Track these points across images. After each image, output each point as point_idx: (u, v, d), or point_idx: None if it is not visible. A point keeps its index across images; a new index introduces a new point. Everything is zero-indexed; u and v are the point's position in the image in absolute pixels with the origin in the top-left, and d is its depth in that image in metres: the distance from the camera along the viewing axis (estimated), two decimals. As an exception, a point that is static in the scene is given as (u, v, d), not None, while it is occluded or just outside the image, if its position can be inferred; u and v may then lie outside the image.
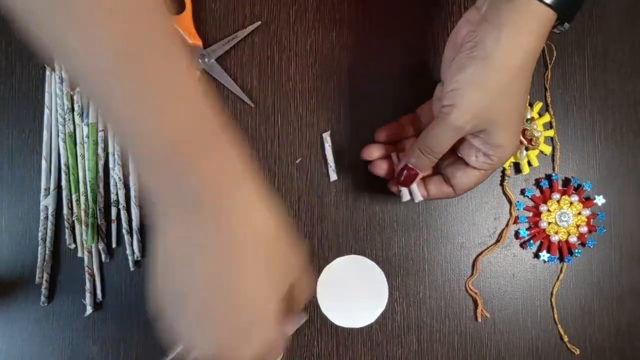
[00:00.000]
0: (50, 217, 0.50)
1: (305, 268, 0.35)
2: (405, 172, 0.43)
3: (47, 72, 0.51)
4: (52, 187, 0.50)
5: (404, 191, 0.44)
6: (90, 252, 0.50)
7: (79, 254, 0.50)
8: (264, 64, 0.52)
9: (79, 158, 0.50)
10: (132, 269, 0.50)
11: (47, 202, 0.50)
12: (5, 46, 0.52)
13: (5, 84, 0.52)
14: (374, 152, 0.46)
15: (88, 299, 0.49)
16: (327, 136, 0.50)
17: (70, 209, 0.50)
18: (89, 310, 0.49)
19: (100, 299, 0.50)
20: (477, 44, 0.37)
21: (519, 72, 0.37)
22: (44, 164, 0.50)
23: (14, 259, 0.51)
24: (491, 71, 0.37)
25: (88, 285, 0.50)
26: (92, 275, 0.50)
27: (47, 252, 0.50)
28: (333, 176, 0.50)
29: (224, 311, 0.30)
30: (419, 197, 0.44)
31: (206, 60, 0.51)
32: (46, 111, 0.51)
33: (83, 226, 0.50)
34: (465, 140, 0.41)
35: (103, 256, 0.50)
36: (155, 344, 0.50)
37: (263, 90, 0.52)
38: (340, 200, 0.51)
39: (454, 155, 0.43)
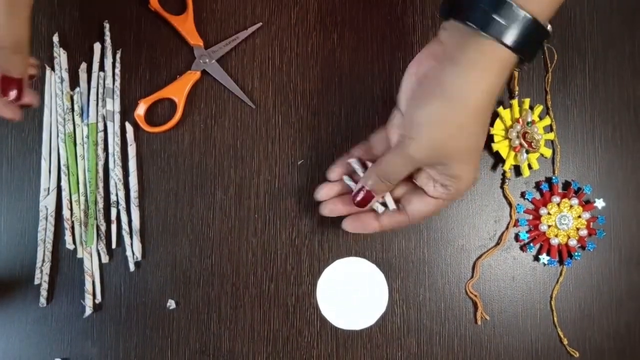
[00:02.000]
0: (49, 217, 0.50)
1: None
2: (361, 194, 0.43)
3: (47, 72, 0.51)
4: (51, 188, 0.50)
5: (377, 205, 0.44)
6: (89, 253, 0.50)
7: (79, 255, 0.50)
8: (265, 65, 0.52)
9: (79, 159, 0.50)
10: (132, 269, 0.50)
11: (46, 203, 0.50)
12: (5, 45, 0.52)
13: (5, 84, 0.52)
14: (329, 192, 0.46)
15: (87, 301, 0.49)
16: None
17: (70, 209, 0.50)
18: (88, 311, 0.49)
19: (100, 300, 0.50)
20: (440, 83, 0.37)
21: (478, 112, 0.38)
22: (43, 164, 0.50)
23: (12, 259, 0.50)
24: (451, 111, 0.37)
25: (87, 286, 0.49)
26: (91, 277, 0.50)
27: (46, 252, 0.49)
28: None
29: None
30: (392, 205, 0.44)
31: (207, 61, 0.51)
32: (46, 111, 0.51)
33: (82, 227, 0.50)
34: (423, 169, 0.41)
35: (102, 257, 0.50)
36: (154, 346, 0.50)
37: (264, 92, 0.52)
38: (341, 202, 0.51)
39: (410, 183, 0.44)
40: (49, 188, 0.50)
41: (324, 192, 0.46)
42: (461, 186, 0.40)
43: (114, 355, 0.50)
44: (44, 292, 0.49)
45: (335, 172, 0.46)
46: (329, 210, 0.45)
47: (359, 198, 0.43)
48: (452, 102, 0.37)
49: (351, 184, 0.45)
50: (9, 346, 0.50)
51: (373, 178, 0.42)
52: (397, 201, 0.44)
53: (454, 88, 0.37)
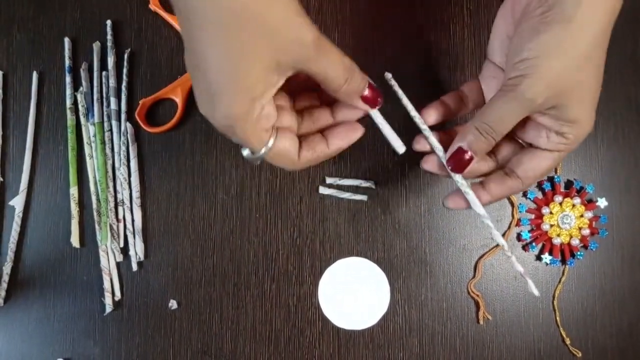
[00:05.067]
0: (16, 217, 0.50)
1: (317, 41, 0.31)
2: (457, 155, 0.36)
3: (34, 76, 0.51)
4: (21, 188, 0.50)
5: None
6: (105, 252, 0.50)
7: (74, 244, 0.50)
8: (266, 65, 0.52)
9: (87, 158, 0.50)
10: (135, 269, 0.50)
11: (15, 203, 0.50)
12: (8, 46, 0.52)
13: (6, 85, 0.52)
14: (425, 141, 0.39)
15: (107, 299, 0.49)
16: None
17: (80, 209, 0.50)
18: (109, 309, 0.49)
19: (119, 297, 0.50)
20: (553, 7, 0.32)
21: (602, 37, 0.33)
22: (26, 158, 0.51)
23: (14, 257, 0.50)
24: (572, 36, 0.32)
25: (106, 284, 0.50)
26: (109, 275, 0.50)
27: (9, 253, 0.50)
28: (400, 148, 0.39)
29: (195, 75, 0.32)
30: (438, 146, 0.38)
31: (208, 61, 0.51)
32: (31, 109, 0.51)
33: (96, 225, 0.50)
34: (531, 121, 0.36)
35: (117, 255, 0.50)
36: (156, 346, 0.50)
37: (265, 92, 0.51)
38: (342, 202, 0.51)
39: (512, 144, 0.38)
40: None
41: (424, 142, 0.39)
42: (580, 132, 0.35)
43: (116, 355, 0.50)
44: (2, 293, 0.50)
45: (431, 115, 0.39)
46: (430, 165, 0.39)
47: (454, 162, 0.36)
48: (574, 26, 0.32)
49: (436, 144, 0.38)
50: (12, 346, 0.50)
51: (472, 132, 0.35)
52: (502, 167, 0.38)
53: (574, 11, 0.31)
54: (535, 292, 0.38)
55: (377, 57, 0.52)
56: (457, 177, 0.37)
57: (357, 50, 0.52)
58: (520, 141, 0.39)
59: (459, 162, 0.37)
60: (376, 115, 0.38)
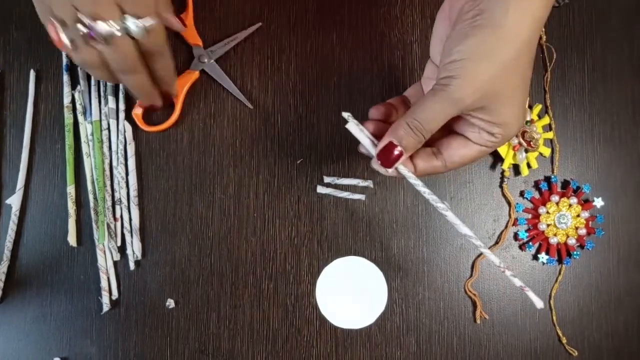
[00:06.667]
0: (13, 216, 0.50)
1: None
2: (387, 150, 0.37)
3: (31, 75, 0.51)
4: (18, 187, 0.50)
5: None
6: (103, 251, 0.50)
7: (72, 243, 0.50)
8: (264, 65, 0.52)
9: (85, 157, 0.50)
10: (132, 268, 0.50)
11: (12, 201, 0.50)
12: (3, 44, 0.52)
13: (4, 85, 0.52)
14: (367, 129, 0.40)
15: (104, 298, 0.49)
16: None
17: (78, 207, 0.50)
18: (106, 308, 0.49)
19: (116, 296, 0.50)
20: (483, 12, 0.34)
21: (529, 43, 0.34)
22: (23, 155, 0.51)
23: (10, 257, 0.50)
24: (500, 41, 0.33)
25: (103, 283, 0.49)
26: (106, 274, 0.50)
27: (5, 252, 0.50)
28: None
29: None
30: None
31: (206, 60, 0.51)
32: (28, 110, 0.51)
33: (94, 224, 0.50)
34: (463, 118, 0.37)
35: (114, 254, 0.50)
36: (153, 345, 0.50)
37: (263, 91, 0.52)
38: (340, 201, 0.51)
39: (446, 131, 0.39)
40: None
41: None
42: (508, 132, 0.36)
43: (113, 355, 0.50)
44: None
45: (372, 115, 0.41)
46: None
47: (384, 157, 0.37)
48: (501, 32, 0.33)
49: (364, 138, 0.39)
50: (8, 345, 0.50)
51: (403, 128, 0.36)
52: (431, 144, 0.39)
53: (502, 17, 0.33)
54: (539, 304, 0.39)
55: (374, 56, 0.52)
56: (414, 180, 0.38)
57: (355, 51, 0.52)
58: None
59: (388, 157, 0.37)
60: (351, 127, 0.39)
